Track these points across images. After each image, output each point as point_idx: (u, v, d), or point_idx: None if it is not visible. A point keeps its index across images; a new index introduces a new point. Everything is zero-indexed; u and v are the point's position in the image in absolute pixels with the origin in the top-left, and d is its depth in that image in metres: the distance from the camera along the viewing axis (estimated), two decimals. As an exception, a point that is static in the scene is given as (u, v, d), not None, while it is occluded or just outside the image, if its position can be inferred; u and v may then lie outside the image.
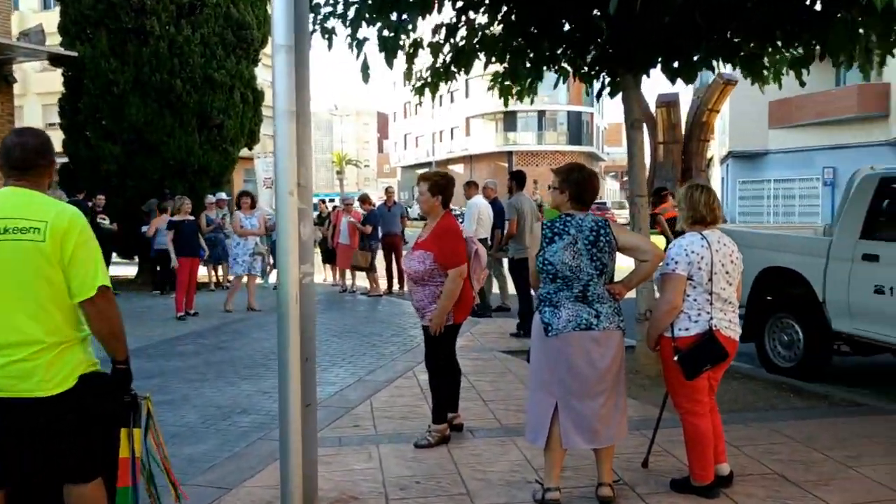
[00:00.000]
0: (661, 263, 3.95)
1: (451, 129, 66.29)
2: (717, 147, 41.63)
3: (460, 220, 14.95)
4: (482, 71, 7.49)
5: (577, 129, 61.17)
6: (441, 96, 59.50)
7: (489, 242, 10.57)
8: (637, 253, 3.92)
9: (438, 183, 4.90)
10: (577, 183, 3.95)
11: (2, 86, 14.62)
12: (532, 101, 8.15)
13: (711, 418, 4.06)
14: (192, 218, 11.03)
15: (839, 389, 6.55)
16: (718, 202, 4.04)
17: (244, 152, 16.38)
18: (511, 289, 10.21)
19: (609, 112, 78.54)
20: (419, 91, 7.55)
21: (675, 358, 3.89)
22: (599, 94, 7.21)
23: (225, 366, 7.73)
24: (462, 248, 4.84)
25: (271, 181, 14.32)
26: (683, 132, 31.55)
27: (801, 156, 33.28)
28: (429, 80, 7.48)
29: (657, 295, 4.15)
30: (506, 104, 8.28)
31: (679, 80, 6.71)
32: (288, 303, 3.77)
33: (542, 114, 60.84)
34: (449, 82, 7.61)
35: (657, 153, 33.13)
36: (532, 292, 5.44)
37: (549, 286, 3.89)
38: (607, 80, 7.13)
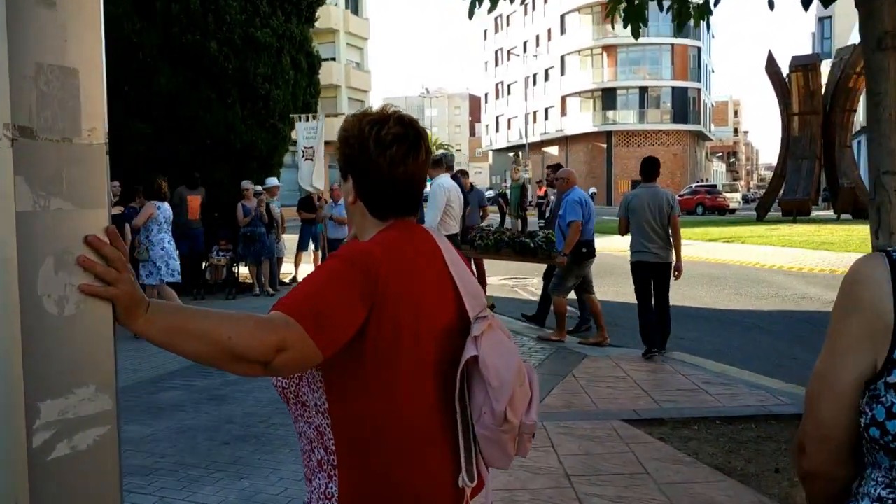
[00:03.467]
0: None
1: (546, 110, 62.82)
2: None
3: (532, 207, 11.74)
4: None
5: (683, 106, 56.63)
6: (535, 74, 57.09)
7: (457, 239, 8.02)
8: None
9: (349, 142, 1.66)
10: None
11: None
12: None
13: None
14: (118, 211, 8.78)
15: None
16: None
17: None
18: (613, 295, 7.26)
19: (717, 88, 73.02)
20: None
21: None
22: (808, 1, 4.16)
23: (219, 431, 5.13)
24: (339, 298, 1.47)
25: (312, 151, 11.43)
26: (824, 101, 27.43)
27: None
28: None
29: None
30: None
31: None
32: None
33: (643, 91, 56.67)
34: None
35: (791, 126, 28.91)
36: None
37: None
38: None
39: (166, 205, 8.93)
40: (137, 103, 11.80)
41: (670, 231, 7.07)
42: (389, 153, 1.60)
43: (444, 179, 7.77)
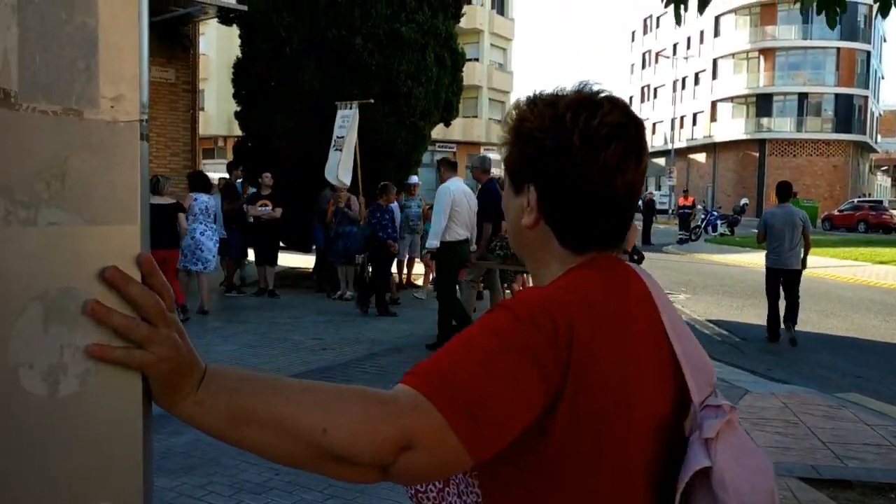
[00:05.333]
0: None
1: (694, 115, 60.07)
2: None
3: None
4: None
5: (847, 114, 52.43)
6: (685, 78, 54.39)
7: (467, 246, 7.75)
8: None
9: (533, 136, 1.06)
10: None
11: (177, 51, 13.03)
12: None
13: None
14: (171, 201, 8.65)
15: None
16: None
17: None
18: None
19: (887, 96, 67.39)
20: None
21: None
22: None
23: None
24: (504, 372, 0.90)
25: (344, 142, 10.27)
26: None
27: None
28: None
29: None
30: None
31: None
32: None
33: (803, 97, 52.91)
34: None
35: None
36: None
37: None
38: None
39: (204, 196, 9.38)
40: (285, 99, 11.87)
41: (801, 243, 8.72)
42: (605, 155, 1.03)
43: (451, 183, 7.63)
